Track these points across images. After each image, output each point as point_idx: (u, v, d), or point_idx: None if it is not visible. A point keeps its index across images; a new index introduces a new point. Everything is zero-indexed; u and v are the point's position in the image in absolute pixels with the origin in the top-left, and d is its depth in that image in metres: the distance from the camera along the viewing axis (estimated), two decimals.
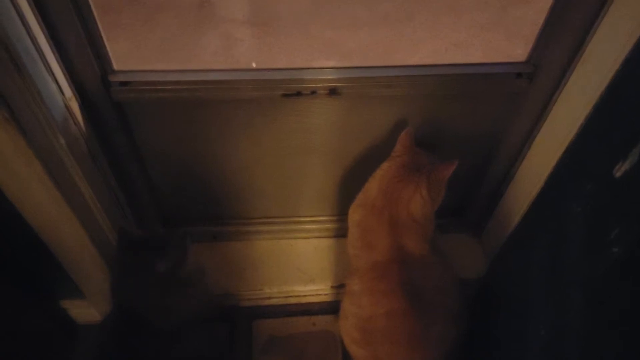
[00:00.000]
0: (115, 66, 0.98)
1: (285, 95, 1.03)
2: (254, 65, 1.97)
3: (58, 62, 0.89)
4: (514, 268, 1.13)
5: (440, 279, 1.06)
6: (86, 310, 1.30)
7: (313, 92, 1.03)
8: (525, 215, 1.10)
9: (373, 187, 1.03)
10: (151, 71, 1.01)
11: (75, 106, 0.96)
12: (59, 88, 0.90)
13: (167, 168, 1.22)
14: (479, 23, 2.14)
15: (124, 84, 0.99)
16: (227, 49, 2.04)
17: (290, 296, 1.36)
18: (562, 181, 0.96)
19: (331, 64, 1.96)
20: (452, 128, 1.15)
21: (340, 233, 1.40)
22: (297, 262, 1.40)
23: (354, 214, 1.07)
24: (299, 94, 1.03)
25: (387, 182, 1.01)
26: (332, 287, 1.36)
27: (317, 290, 1.36)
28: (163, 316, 1.00)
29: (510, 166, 1.20)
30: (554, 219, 0.96)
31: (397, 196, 0.99)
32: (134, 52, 2.01)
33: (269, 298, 1.36)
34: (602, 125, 0.84)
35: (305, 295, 1.37)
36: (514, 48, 1.99)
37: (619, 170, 0.73)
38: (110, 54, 0.96)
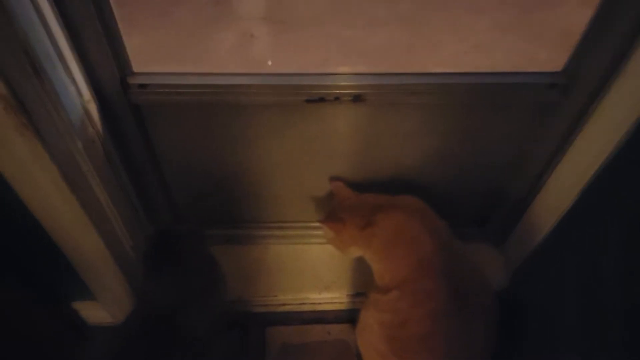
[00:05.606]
0: (131, 64, 0.96)
1: (309, 101, 1.00)
2: (269, 63, 1.94)
3: (77, 64, 0.86)
4: (540, 284, 1.09)
5: (474, 275, 1.06)
6: (97, 312, 1.29)
7: (337, 98, 1.00)
8: (554, 229, 1.07)
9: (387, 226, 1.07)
10: (170, 74, 0.98)
11: (93, 108, 0.94)
12: (77, 90, 0.87)
13: (183, 171, 1.20)
14: (500, 24, 2.08)
15: (143, 86, 0.96)
16: (242, 46, 2.00)
17: (305, 303, 1.34)
18: (599, 196, 0.92)
19: (349, 64, 1.91)
20: (477, 137, 1.12)
21: None
22: (312, 268, 1.37)
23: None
24: (322, 99, 1.00)
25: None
26: (348, 295, 1.33)
27: (332, 298, 1.33)
28: (193, 315, 0.99)
29: (538, 177, 1.16)
30: (588, 236, 0.93)
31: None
32: (148, 48, 1.98)
33: (283, 305, 1.33)
34: None
35: (320, 303, 1.34)
36: (536, 51, 1.93)
37: None
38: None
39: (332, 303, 1.34)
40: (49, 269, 1.14)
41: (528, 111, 1.05)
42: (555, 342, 0.97)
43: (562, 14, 2.00)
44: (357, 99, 1.00)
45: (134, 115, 1.01)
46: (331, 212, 1.15)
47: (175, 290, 0.97)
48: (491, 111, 1.06)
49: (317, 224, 1.36)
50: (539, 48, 1.96)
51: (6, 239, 1.01)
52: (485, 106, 1.05)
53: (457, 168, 1.21)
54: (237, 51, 1.97)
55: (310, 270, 1.37)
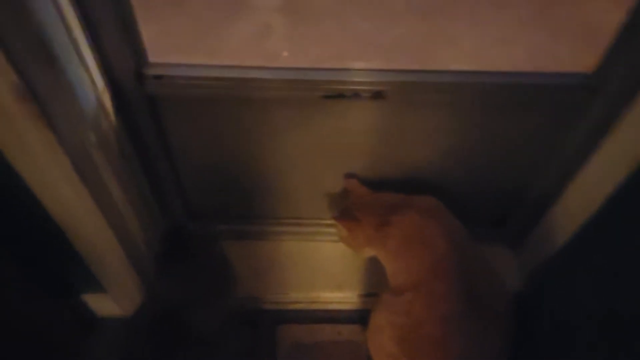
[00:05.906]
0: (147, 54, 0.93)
1: (327, 97, 0.97)
2: (285, 54, 1.91)
3: (92, 54, 0.84)
4: (558, 291, 1.06)
5: (490, 278, 1.04)
6: (107, 304, 1.28)
7: (356, 95, 0.97)
8: (575, 235, 1.03)
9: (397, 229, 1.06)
10: (187, 65, 0.96)
11: (107, 99, 0.92)
12: (91, 81, 0.85)
13: (197, 165, 1.18)
14: (522, 19, 2.03)
15: (158, 77, 0.94)
16: (257, 36, 1.97)
17: (316, 302, 1.32)
18: (624, 203, 0.88)
19: (366, 57, 1.87)
20: (499, 136, 1.08)
21: None
22: (324, 266, 1.35)
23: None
24: (341, 95, 0.97)
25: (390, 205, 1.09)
26: (359, 295, 1.31)
27: (343, 297, 1.31)
28: (204, 313, 0.98)
29: (561, 180, 1.12)
30: (610, 244, 0.89)
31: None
32: (162, 38, 1.94)
33: (295, 303, 1.32)
34: None
35: (331, 302, 1.32)
36: (559, 47, 1.87)
37: None
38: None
39: (343, 303, 1.32)
40: (59, 261, 1.13)
41: (554, 112, 1.01)
42: (570, 350, 0.94)
43: (586, 10, 1.94)
44: (377, 95, 0.97)
45: (148, 106, 0.99)
46: (345, 209, 1.13)
47: (186, 288, 0.96)
48: (515, 111, 1.02)
49: (331, 222, 1.34)
50: (561, 45, 1.90)
51: (17, 231, 1.00)
52: (510, 106, 1.01)
53: (476, 168, 1.18)
54: (252, 42, 1.94)
55: (322, 268, 1.34)
